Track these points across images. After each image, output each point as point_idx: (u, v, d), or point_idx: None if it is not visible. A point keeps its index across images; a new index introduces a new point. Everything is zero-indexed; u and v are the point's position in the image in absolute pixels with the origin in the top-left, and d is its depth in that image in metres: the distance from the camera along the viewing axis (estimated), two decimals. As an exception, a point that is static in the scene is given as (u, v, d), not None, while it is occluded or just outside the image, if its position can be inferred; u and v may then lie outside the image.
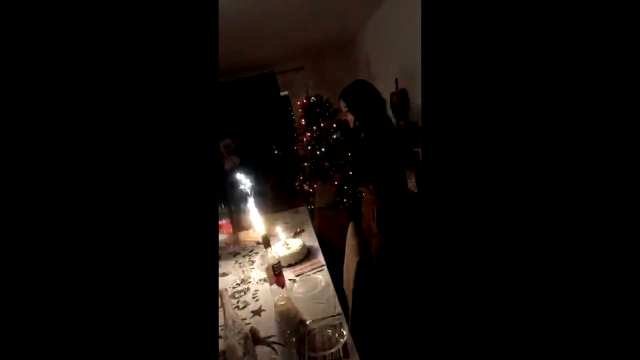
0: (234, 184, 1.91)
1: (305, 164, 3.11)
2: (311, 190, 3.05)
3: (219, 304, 0.80)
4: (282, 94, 4.00)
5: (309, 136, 3.06)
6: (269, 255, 1.10)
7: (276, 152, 3.75)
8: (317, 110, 3.07)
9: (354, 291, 0.95)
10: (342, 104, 1.53)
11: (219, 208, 1.93)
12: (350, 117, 1.52)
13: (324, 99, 3.13)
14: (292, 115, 4.03)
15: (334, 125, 3.04)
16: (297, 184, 3.26)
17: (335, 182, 2.68)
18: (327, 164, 2.95)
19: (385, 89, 2.71)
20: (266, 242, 1.14)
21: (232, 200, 1.96)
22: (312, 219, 2.00)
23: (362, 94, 1.50)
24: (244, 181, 1.82)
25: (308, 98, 3.12)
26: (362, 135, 1.53)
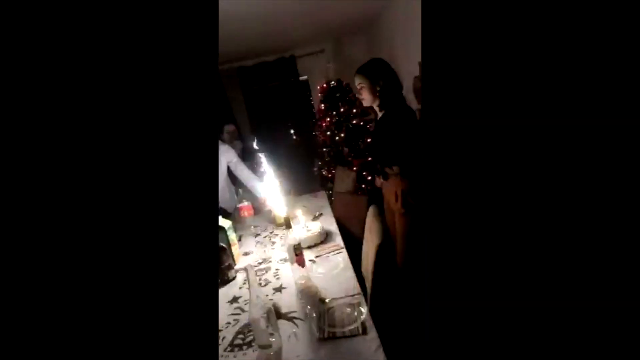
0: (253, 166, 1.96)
1: (325, 149, 3.12)
2: (330, 175, 3.07)
3: (245, 278, 0.84)
4: (301, 78, 3.98)
5: (328, 121, 3.05)
6: (290, 236, 1.13)
7: (295, 137, 3.78)
8: (337, 94, 3.04)
9: (374, 273, 0.97)
10: (358, 81, 1.47)
11: (240, 191, 1.99)
12: (364, 95, 1.47)
13: (344, 83, 3.09)
14: (312, 100, 4.02)
15: (354, 110, 3.01)
16: (315, 169, 3.28)
17: (355, 168, 2.67)
18: (346, 149, 2.94)
19: (409, 73, 2.64)
20: (287, 224, 1.17)
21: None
22: (331, 204, 2.02)
23: (379, 70, 1.45)
24: (264, 165, 1.86)
25: (328, 82, 3.09)
26: (379, 116, 1.50)
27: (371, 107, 1.55)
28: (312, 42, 3.74)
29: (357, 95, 1.57)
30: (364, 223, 1.34)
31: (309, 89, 4.05)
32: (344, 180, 2.38)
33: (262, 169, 1.84)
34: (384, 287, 0.97)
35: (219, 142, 2.02)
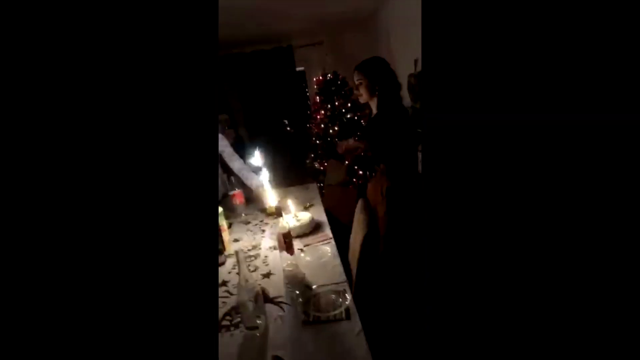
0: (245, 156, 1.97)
1: (318, 141, 3.13)
2: (322, 168, 3.09)
3: (235, 263, 0.86)
4: (298, 69, 3.96)
5: (323, 114, 3.06)
6: (280, 224, 1.16)
7: (288, 128, 3.78)
8: (333, 88, 3.05)
9: (359, 262, 1.01)
10: (356, 77, 1.49)
11: (232, 179, 2.00)
12: (361, 92, 1.49)
13: (341, 76, 3.10)
14: (307, 92, 4.01)
15: (349, 105, 3.02)
16: (308, 161, 3.30)
17: (346, 162, 2.71)
18: (341, 141, 2.97)
19: (405, 70, 2.67)
20: (278, 212, 1.20)
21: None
22: (322, 196, 2.05)
23: (379, 70, 1.47)
24: (256, 154, 1.87)
25: (324, 75, 3.09)
26: (374, 114, 1.53)
27: (367, 104, 1.57)
28: (310, 33, 3.72)
29: (354, 91, 1.58)
30: (353, 215, 1.38)
31: (305, 80, 4.03)
32: (335, 173, 2.41)
33: (253, 159, 1.85)
34: (368, 277, 1.01)
35: None
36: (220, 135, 2.02)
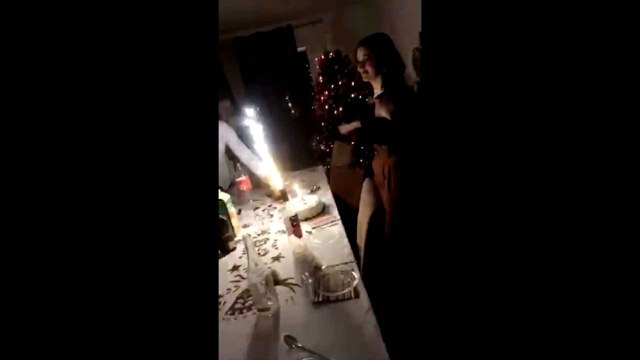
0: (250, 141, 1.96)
1: (323, 123, 3.10)
2: (328, 150, 3.07)
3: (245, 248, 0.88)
4: (299, 49, 3.87)
5: (326, 95, 3.01)
6: (287, 208, 1.17)
7: (292, 111, 3.74)
8: (336, 67, 2.98)
9: (367, 241, 1.02)
10: (362, 52, 1.40)
11: (238, 166, 2.01)
12: (368, 68, 1.42)
13: (343, 54, 3.02)
14: (310, 73, 3.93)
15: (352, 84, 2.96)
16: (313, 143, 3.28)
17: (352, 142, 2.68)
18: (344, 123, 2.93)
19: (409, 44, 2.57)
20: (284, 196, 1.21)
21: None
22: (328, 178, 2.05)
23: (386, 46, 1.41)
24: (261, 139, 1.86)
25: (326, 53, 3.01)
26: (377, 92, 1.48)
27: (368, 83, 1.51)
28: (310, 11, 3.59)
29: (358, 69, 1.49)
30: (360, 196, 1.37)
31: (307, 60, 3.94)
32: (341, 154, 2.39)
33: (257, 146, 1.83)
34: (376, 256, 1.02)
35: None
36: (226, 126, 2.01)
